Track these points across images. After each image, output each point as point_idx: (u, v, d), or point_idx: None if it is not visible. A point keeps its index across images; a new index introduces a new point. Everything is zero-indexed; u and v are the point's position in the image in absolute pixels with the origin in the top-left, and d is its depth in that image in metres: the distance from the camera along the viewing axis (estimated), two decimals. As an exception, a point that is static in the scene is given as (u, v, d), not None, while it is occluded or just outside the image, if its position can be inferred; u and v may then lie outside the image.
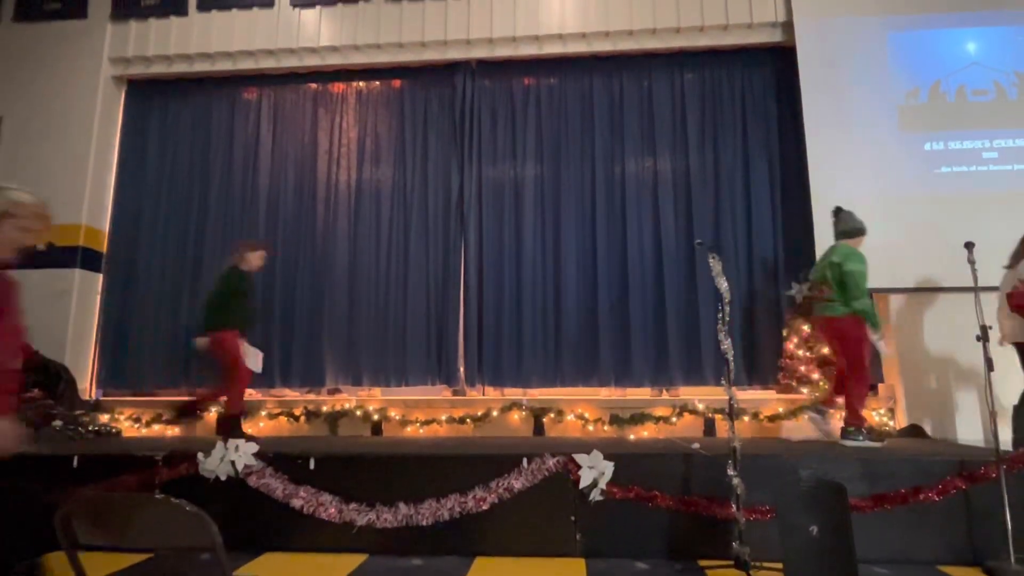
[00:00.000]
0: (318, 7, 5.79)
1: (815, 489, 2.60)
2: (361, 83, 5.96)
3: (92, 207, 5.65)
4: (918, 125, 5.07)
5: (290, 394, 5.47)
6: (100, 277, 5.71)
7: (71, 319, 5.38)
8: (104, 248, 5.77)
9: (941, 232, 4.77)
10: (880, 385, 5.02)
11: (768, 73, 5.55)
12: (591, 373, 5.22)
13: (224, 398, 4.35)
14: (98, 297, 5.68)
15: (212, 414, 4.97)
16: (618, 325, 5.27)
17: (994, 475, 2.90)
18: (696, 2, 5.46)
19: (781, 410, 4.69)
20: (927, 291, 4.81)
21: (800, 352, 4.74)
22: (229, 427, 4.16)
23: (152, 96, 6.06)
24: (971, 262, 3.53)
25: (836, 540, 2.46)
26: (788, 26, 5.38)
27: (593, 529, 3.16)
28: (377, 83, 5.94)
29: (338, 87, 5.96)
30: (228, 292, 4.23)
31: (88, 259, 5.58)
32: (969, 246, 3.55)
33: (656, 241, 5.37)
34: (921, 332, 4.81)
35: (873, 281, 4.90)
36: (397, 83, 5.92)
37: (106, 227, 5.81)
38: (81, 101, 5.75)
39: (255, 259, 4.37)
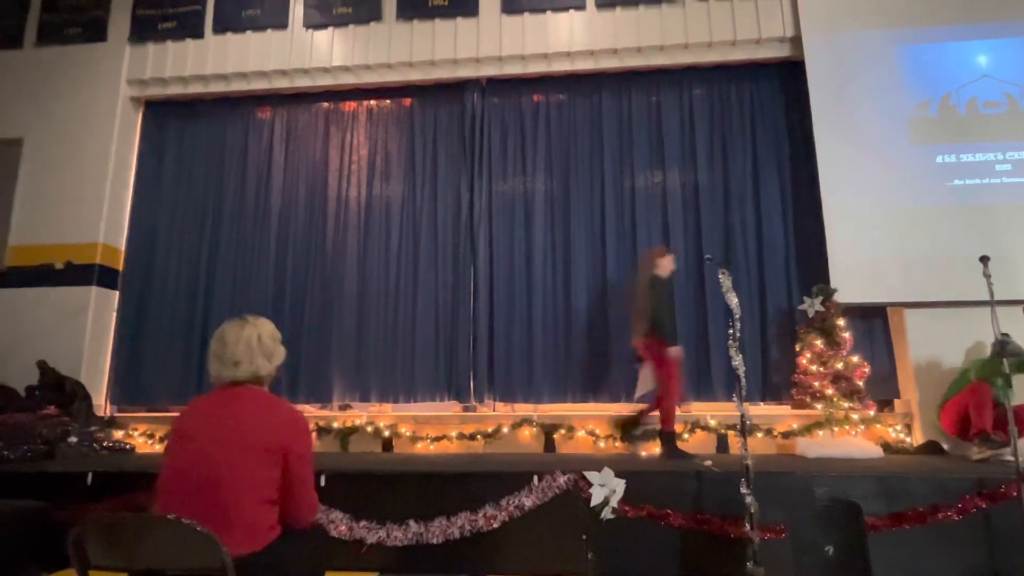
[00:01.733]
0: (330, 28, 5.90)
1: (830, 508, 2.57)
2: (372, 101, 6.04)
3: (109, 226, 5.75)
4: (929, 138, 5.04)
5: (310, 410, 5.47)
6: (116, 294, 5.79)
7: (87, 336, 5.45)
8: (120, 266, 5.85)
9: (955, 245, 4.73)
10: (896, 401, 4.95)
11: (777, 87, 5.56)
12: (601, 388, 5.19)
13: (657, 412, 4.19)
14: (114, 314, 5.75)
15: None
16: (628, 340, 5.23)
17: (1015, 494, 2.84)
18: (704, 18, 5.49)
19: (795, 426, 4.63)
20: (942, 305, 4.75)
21: (814, 367, 4.69)
22: (668, 444, 4.09)
23: (168, 117, 6.18)
24: (987, 276, 3.49)
25: (852, 560, 2.43)
26: (796, 41, 5.39)
27: (605, 548, 3.12)
28: (388, 101, 6.02)
29: (349, 106, 6.04)
30: (661, 301, 4.16)
31: (105, 277, 5.66)
32: (984, 260, 3.51)
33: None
34: (937, 346, 4.74)
35: (888, 295, 4.89)
36: (407, 101, 5.99)
37: (123, 246, 5.90)
38: (100, 122, 5.88)
39: (668, 263, 4.34)
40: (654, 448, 4.67)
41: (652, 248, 4.68)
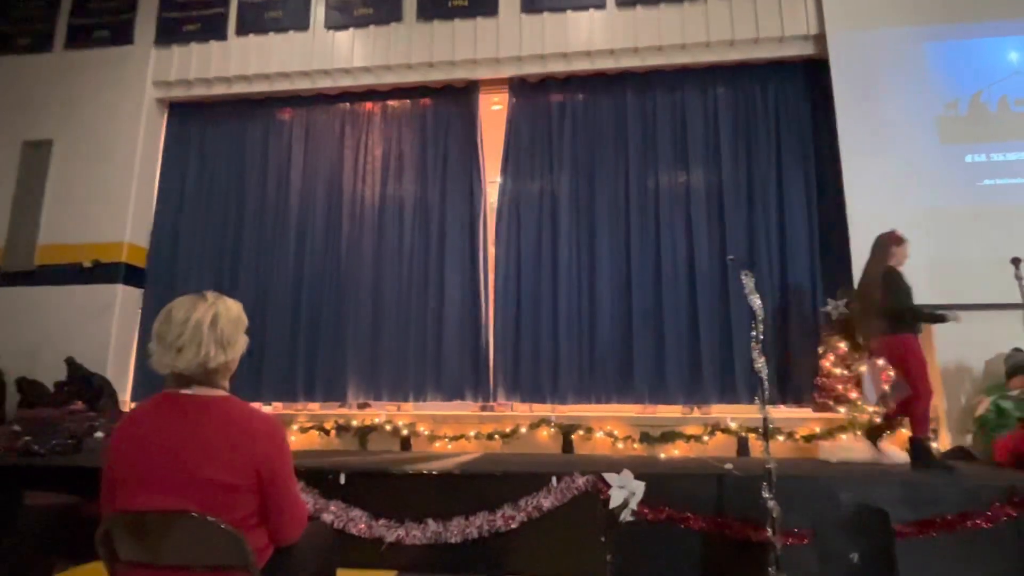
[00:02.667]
0: (351, 29, 5.94)
1: (856, 514, 2.52)
2: (392, 102, 6.05)
3: (135, 225, 5.85)
4: (959, 137, 4.93)
5: (325, 408, 5.52)
6: (141, 292, 5.89)
7: (113, 333, 5.55)
8: (145, 265, 5.95)
9: (985, 247, 4.62)
10: (922, 405, 4.85)
11: (802, 86, 5.47)
12: (626, 390, 5.14)
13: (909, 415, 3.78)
14: (139, 312, 5.85)
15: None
16: (652, 342, 5.19)
17: (1048, 502, 2.76)
18: (726, 16, 5.43)
19: (818, 430, 4.55)
20: (971, 308, 4.63)
21: (837, 370, 4.61)
22: (922, 452, 3.68)
23: (192, 118, 6.26)
24: (1018, 278, 3.42)
25: (879, 568, 2.38)
26: (821, 39, 5.30)
27: (624, 550, 3.10)
28: (408, 102, 6.03)
29: (369, 106, 6.07)
30: (899, 294, 3.79)
31: (130, 275, 5.77)
32: (1016, 262, 3.44)
33: (689, 256, 5.29)
34: (965, 350, 4.63)
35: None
36: (427, 101, 6.00)
37: (147, 245, 6.00)
38: (126, 124, 5.98)
39: (904, 252, 3.95)
40: (670, 451, 4.64)
41: (886, 234, 4.03)
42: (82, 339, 5.44)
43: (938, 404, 4.69)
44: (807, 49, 5.40)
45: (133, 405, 5.60)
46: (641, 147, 5.56)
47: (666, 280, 5.25)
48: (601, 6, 5.62)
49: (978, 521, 2.87)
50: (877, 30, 5.19)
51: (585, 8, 5.63)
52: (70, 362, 5.17)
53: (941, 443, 4.57)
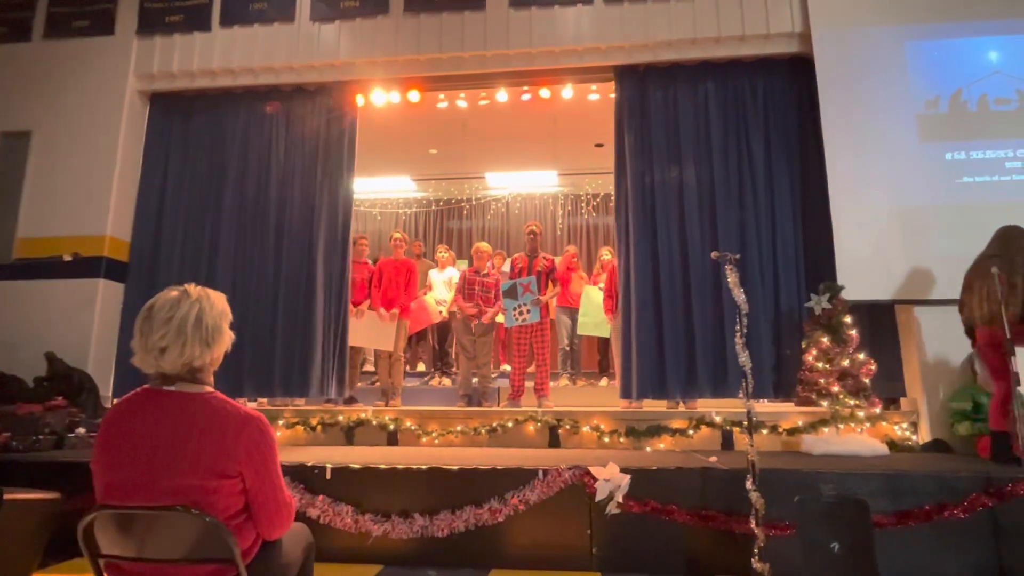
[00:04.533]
0: (337, 22, 5.88)
1: (836, 505, 2.56)
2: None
3: (116, 219, 5.76)
4: (939, 134, 5.00)
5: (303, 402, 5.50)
6: (123, 287, 5.81)
7: (94, 328, 5.46)
8: (127, 259, 5.87)
9: (964, 243, 4.67)
10: (902, 399, 4.94)
11: (789, 83, 5.50)
12: (629, 387, 5.16)
13: None
14: (120, 306, 5.77)
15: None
16: (653, 339, 5.21)
17: (1022, 492, 2.83)
18: (712, 13, 5.45)
19: (800, 423, 4.61)
20: (951, 303, 4.71)
21: (820, 364, 4.66)
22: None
23: (175, 110, 6.16)
24: (995, 273, 3.48)
25: (858, 558, 2.42)
26: (806, 37, 5.35)
27: (609, 543, 3.13)
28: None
29: (353, 100, 6.01)
30: None
31: (112, 269, 5.68)
32: (994, 258, 3.50)
33: (683, 252, 5.31)
34: (945, 345, 4.72)
35: (896, 293, 4.87)
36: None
37: (129, 239, 5.91)
38: (107, 115, 5.88)
39: None
40: (655, 444, 4.67)
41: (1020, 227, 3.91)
42: (62, 334, 5.36)
43: (918, 397, 4.78)
44: (792, 47, 5.43)
45: (115, 401, 5.52)
46: (639, 141, 5.54)
47: (664, 277, 5.25)
48: (589, 2, 5.61)
49: (955, 511, 2.94)
50: (861, 28, 5.24)
51: (573, 3, 5.62)
52: (50, 357, 5.10)
53: (920, 436, 4.66)
